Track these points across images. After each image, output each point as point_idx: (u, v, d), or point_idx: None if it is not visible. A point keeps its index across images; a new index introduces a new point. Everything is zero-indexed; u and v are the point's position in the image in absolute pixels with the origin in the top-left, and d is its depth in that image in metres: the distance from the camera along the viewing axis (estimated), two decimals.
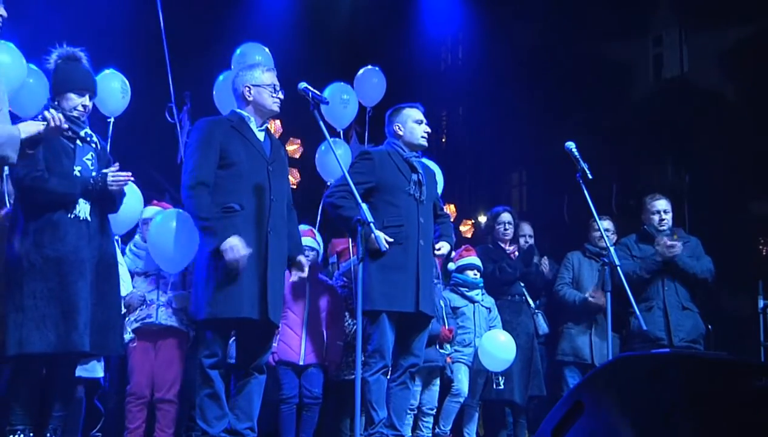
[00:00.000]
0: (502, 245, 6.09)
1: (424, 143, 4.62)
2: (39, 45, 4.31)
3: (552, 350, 6.06)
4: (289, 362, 5.27)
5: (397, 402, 4.45)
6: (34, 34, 5.26)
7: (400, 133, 4.59)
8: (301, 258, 4.22)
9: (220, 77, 5.60)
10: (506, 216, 6.08)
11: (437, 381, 5.61)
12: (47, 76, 4.11)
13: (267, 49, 5.83)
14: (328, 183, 6.22)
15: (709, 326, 5.81)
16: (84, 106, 3.96)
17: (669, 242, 5.49)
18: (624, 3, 8.74)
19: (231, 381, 4.23)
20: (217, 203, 3.93)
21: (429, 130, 4.66)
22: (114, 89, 5.31)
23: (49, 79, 4.05)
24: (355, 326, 5.49)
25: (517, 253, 6.14)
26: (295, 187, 6.22)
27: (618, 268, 4.50)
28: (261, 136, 4.14)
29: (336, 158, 4.23)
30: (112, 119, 5.34)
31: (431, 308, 4.51)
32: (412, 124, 4.59)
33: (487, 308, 5.84)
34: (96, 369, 4.77)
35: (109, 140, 5.16)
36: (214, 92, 5.61)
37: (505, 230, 6.04)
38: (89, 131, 3.98)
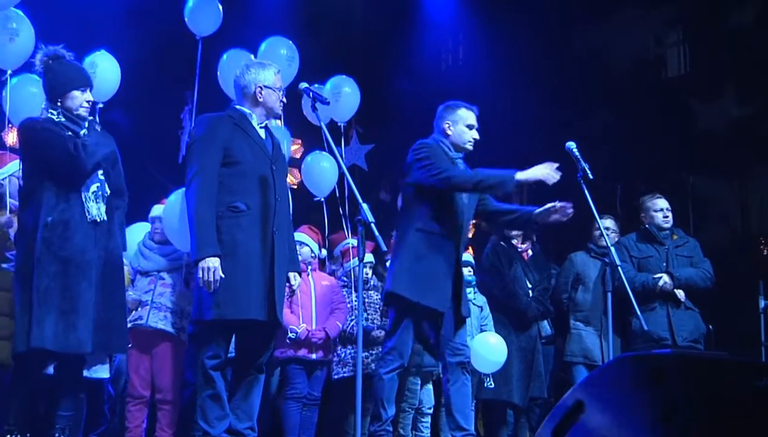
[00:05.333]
0: (515, 242, 6.06)
1: (470, 148, 4.51)
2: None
3: (557, 351, 6.05)
4: (301, 358, 5.31)
5: (459, 400, 4.36)
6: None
7: (449, 132, 4.48)
8: (293, 276, 4.14)
9: (224, 57, 5.59)
10: None
11: (431, 382, 5.68)
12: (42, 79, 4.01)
13: (291, 42, 5.85)
14: (317, 198, 6.21)
15: (710, 327, 5.81)
16: (88, 101, 3.94)
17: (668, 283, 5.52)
18: (626, 3, 8.73)
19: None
20: (222, 203, 3.88)
21: (477, 137, 4.52)
22: (103, 71, 5.21)
23: (42, 84, 3.98)
24: (352, 323, 5.55)
25: (530, 251, 6.11)
26: (295, 187, 6.21)
27: (619, 268, 4.50)
28: (262, 133, 4.11)
29: (339, 161, 4.15)
30: (101, 104, 5.31)
31: (463, 308, 4.41)
32: (463, 127, 4.48)
33: (478, 306, 5.81)
34: (102, 370, 4.79)
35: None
36: (218, 73, 5.62)
37: None
38: (87, 132, 3.92)
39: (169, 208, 4.84)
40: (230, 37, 5.97)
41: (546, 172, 4.14)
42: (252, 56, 5.79)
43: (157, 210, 5.13)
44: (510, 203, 4.56)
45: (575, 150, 4.50)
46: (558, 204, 4.27)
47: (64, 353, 3.75)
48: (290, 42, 5.94)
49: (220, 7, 5.83)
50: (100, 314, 3.78)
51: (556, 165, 4.14)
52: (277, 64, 4.64)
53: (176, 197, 4.75)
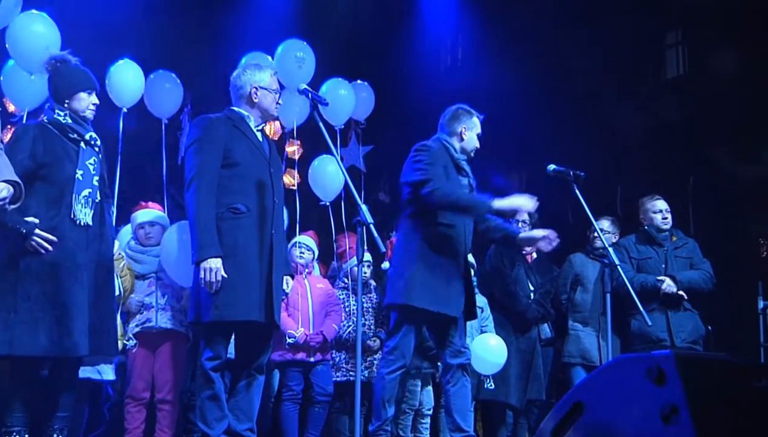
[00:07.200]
0: None
1: (472, 155, 4.60)
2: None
3: (556, 352, 6.05)
4: (299, 361, 5.31)
5: (459, 401, 4.38)
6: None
7: (464, 136, 4.53)
8: (285, 280, 4.14)
9: (243, 60, 5.62)
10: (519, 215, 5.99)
11: (430, 384, 5.69)
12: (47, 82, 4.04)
13: (305, 43, 5.90)
14: (323, 202, 6.21)
15: (709, 327, 5.81)
16: (94, 104, 3.97)
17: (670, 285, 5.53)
18: (625, 3, 8.73)
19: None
20: (221, 204, 3.88)
21: (479, 146, 4.61)
22: (129, 79, 5.38)
23: (48, 85, 4.00)
24: (349, 329, 5.56)
25: (534, 254, 6.10)
26: (294, 188, 6.21)
27: (619, 267, 4.49)
28: (259, 136, 4.11)
29: (338, 162, 4.12)
30: (125, 109, 5.41)
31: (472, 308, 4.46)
32: (475, 134, 4.56)
33: (479, 307, 5.79)
34: (107, 372, 4.79)
35: (121, 130, 5.30)
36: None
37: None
38: (94, 135, 3.95)
39: (167, 243, 4.74)
40: (234, 44, 5.98)
41: (523, 202, 4.19)
42: (269, 57, 5.79)
43: (145, 215, 5.10)
44: (500, 219, 4.56)
45: (556, 168, 4.54)
46: (543, 234, 4.34)
47: (57, 357, 3.74)
48: (305, 43, 5.95)
49: (179, 81, 5.84)
50: (92, 318, 3.76)
51: (534, 198, 4.20)
52: (291, 66, 4.61)
53: (173, 233, 4.69)
